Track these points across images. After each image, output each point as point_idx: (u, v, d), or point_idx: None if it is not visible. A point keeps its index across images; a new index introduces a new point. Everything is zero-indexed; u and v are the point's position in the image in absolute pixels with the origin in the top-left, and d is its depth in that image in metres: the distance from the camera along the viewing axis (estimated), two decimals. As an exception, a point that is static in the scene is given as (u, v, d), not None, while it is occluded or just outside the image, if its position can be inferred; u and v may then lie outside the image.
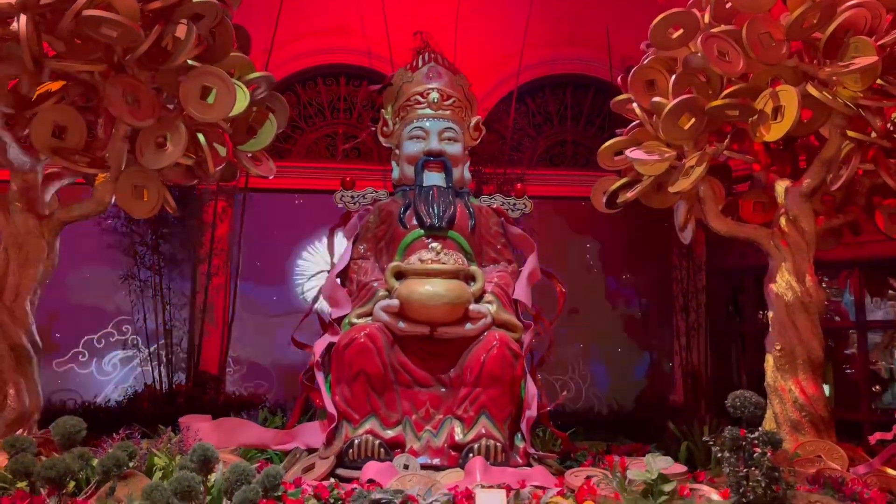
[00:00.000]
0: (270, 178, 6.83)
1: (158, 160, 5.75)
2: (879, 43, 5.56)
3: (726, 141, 6.34)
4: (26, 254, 5.97)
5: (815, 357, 6.10)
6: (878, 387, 9.27)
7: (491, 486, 4.78)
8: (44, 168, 6.16)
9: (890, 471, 5.44)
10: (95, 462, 4.60)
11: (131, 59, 5.55)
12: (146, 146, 5.77)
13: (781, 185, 6.37)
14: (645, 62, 6.45)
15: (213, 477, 4.47)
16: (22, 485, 4.33)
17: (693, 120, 5.96)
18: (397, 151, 6.95)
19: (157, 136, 5.78)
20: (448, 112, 6.83)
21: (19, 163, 5.94)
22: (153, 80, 5.81)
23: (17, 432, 5.52)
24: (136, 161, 5.90)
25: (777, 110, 5.74)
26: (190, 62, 5.72)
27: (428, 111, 6.81)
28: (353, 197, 6.92)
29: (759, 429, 4.86)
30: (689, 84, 6.05)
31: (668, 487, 4.61)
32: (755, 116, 5.85)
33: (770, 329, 6.30)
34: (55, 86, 5.77)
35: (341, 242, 6.93)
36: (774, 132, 5.77)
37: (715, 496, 4.87)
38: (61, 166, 6.08)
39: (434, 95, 6.84)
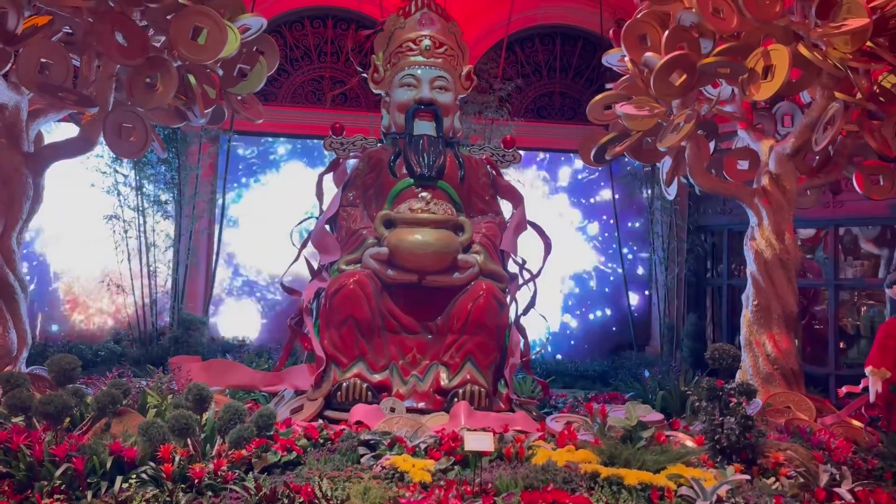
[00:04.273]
0: (259, 121, 6.79)
1: (149, 100, 5.68)
2: (872, 5, 5.60)
3: (716, 98, 6.39)
4: (12, 191, 5.90)
5: (790, 312, 6.31)
6: (843, 344, 9.57)
7: (475, 430, 4.93)
8: (28, 105, 6.06)
9: (855, 422, 5.69)
10: (90, 399, 4.69)
11: (120, -6, 5.43)
12: (136, 86, 5.69)
13: (766, 144, 6.47)
14: (638, 16, 6.43)
15: (205, 416, 4.58)
16: (18, 420, 4.40)
17: (684, 76, 5.99)
18: (387, 98, 6.91)
19: (146, 76, 5.70)
20: (440, 60, 6.78)
21: (3, 99, 5.84)
22: (142, 17, 5.71)
23: (6, 369, 5.56)
24: (124, 101, 5.82)
25: (768, 69, 5.79)
26: (181, 0, 5.61)
27: (420, 59, 6.76)
28: (342, 143, 6.90)
29: (735, 379, 5.08)
30: (682, 40, 6.06)
31: (646, 434, 4.81)
32: (746, 75, 5.90)
33: (748, 285, 6.48)
34: (41, 21, 5.63)
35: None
36: (764, 91, 5.82)
37: (690, 443, 5.10)
38: (46, 103, 5.98)
39: (426, 43, 6.78)
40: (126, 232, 9.78)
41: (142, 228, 9.82)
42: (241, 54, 6.22)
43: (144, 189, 9.79)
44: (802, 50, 5.77)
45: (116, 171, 9.66)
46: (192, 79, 5.97)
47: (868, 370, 5.63)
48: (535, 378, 7.34)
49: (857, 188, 6.65)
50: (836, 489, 4.43)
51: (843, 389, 6.04)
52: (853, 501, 4.31)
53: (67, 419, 4.44)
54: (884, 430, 5.48)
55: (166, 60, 5.70)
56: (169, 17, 5.63)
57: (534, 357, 7.04)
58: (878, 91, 6.02)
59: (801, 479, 4.56)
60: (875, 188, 6.57)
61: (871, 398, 5.59)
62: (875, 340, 5.86)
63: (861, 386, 5.82)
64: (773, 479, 4.60)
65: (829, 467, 4.65)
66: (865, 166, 6.61)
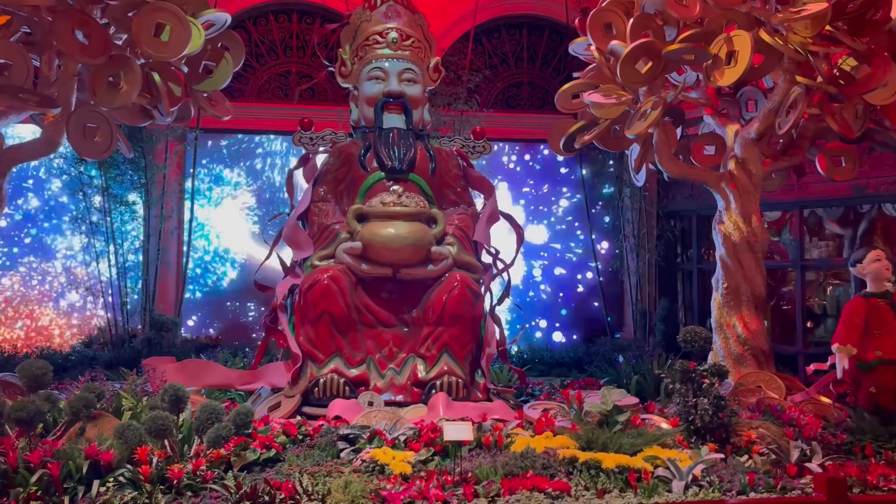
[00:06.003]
0: (227, 118, 6.71)
1: (113, 100, 5.58)
2: (830, -11, 5.70)
3: (682, 84, 6.47)
4: (-27, 196, 5.79)
5: (759, 294, 6.43)
6: (810, 323, 9.76)
7: (454, 420, 4.96)
8: (-13, 107, 5.93)
9: (824, 399, 5.82)
10: (63, 404, 4.63)
11: (80, -8, 5.33)
12: (99, 85, 5.59)
13: (731, 129, 6.57)
14: (603, 5, 6.48)
15: (182, 416, 4.54)
16: (-11, 427, 4.33)
17: (650, 64, 6.05)
18: (356, 92, 6.89)
19: (109, 74, 5.60)
20: (407, 52, 6.77)
21: (-39, 101, 5.70)
22: (102, 15, 5.60)
23: (-25, 377, 5.46)
24: (87, 100, 5.72)
25: (731, 55, 5.87)
26: (142, -3, 5.52)
27: (387, 51, 6.73)
28: (311, 139, 6.86)
29: (707, 361, 5.17)
30: (647, 28, 6.12)
31: (622, 418, 4.89)
32: (709, 61, 5.98)
33: (717, 268, 6.58)
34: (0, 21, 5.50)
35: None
36: (728, 77, 5.91)
37: (665, 425, 5.18)
38: (6, 105, 5.84)
39: (393, 35, 6.76)
40: (94, 234, 9.62)
41: (110, 230, 9.66)
42: (206, 51, 6.14)
43: (111, 190, 9.63)
44: (764, 35, 5.86)
45: (81, 173, 9.48)
46: (156, 77, 5.87)
47: (835, 347, 5.75)
48: (511, 367, 7.40)
49: (819, 170, 6.79)
50: (808, 464, 4.54)
51: (812, 367, 6.18)
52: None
53: (40, 425, 4.39)
54: (851, 405, 5.62)
55: (129, 58, 5.62)
56: (130, 14, 5.54)
57: (509, 346, 7.07)
58: (838, 74, 6.14)
59: (773, 456, 4.66)
60: (837, 170, 6.72)
61: (839, 375, 5.72)
62: (841, 318, 5.98)
63: (829, 363, 5.95)
64: (746, 456, 4.71)
65: (799, 443, 4.77)
66: (828, 148, 6.75)
